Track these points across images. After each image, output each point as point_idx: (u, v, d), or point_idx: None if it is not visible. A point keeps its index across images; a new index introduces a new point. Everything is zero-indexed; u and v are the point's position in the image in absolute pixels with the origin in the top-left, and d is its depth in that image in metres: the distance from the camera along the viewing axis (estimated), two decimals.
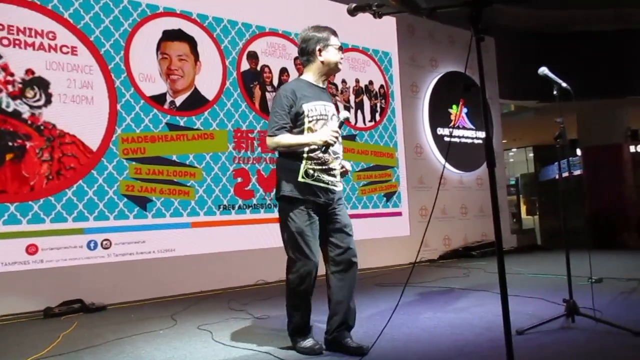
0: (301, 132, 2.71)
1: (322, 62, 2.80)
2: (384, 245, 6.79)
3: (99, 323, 3.86)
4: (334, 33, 2.84)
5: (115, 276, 4.84)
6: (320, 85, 2.86)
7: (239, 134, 5.85)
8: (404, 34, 7.73)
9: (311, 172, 2.69)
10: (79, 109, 4.84)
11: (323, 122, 2.73)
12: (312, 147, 2.67)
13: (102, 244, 4.85)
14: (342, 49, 2.88)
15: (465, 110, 8.51)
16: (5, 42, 4.52)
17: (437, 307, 3.85)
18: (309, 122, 2.71)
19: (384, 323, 2.73)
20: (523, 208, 15.56)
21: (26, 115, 4.56)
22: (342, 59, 2.86)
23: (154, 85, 5.32)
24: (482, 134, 8.73)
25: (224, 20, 5.91)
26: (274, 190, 2.88)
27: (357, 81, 7.13)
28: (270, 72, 6.22)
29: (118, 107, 5.07)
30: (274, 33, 6.29)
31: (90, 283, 4.66)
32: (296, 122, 2.72)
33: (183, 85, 5.53)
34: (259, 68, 6.16)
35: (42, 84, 4.67)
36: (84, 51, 4.93)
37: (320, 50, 2.78)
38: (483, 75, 1.63)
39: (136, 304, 4.70)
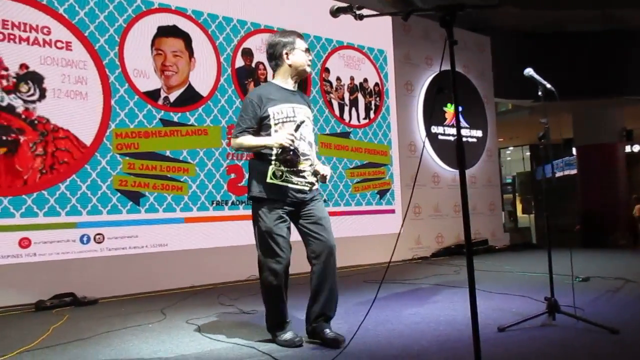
0: (269, 135, 2.80)
1: (290, 65, 2.89)
2: (376, 242, 6.83)
3: (90, 316, 3.91)
4: (300, 36, 2.93)
5: (108, 270, 4.89)
6: (290, 88, 2.93)
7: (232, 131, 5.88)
8: (399, 32, 7.76)
9: (279, 173, 2.78)
10: (73, 104, 4.88)
11: (290, 125, 2.81)
12: (279, 149, 2.74)
13: (94, 238, 4.89)
14: (309, 51, 2.96)
15: (460, 108, 8.53)
16: None
17: (423, 304, 3.91)
18: (275, 124, 2.81)
19: (370, 319, 2.78)
20: (519, 207, 15.62)
21: (20, 109, 4.60)
22: (310, 60, 2.93)
23: (148, 80, 5.36)
24: (476, 132, 8.78)
25: (219, 16, 5.94)
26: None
27: (352, 79, 7.17)
28: (264, 69, 6.24)
29: (112, 102, 5.11)
30: (269, 30, 6.31)
31: (83, 277, 4.71)
32: (263, 125, 2.82)
33: (177, 81, 5.57)
34: (253, 65, 6.19)
35: (36, 79, 4.71)
36: (79, 46, 4.96)
37: (287, 54, 2.87)
38: (455, 79, 1.68)
39: (128, 298, 4.75)
